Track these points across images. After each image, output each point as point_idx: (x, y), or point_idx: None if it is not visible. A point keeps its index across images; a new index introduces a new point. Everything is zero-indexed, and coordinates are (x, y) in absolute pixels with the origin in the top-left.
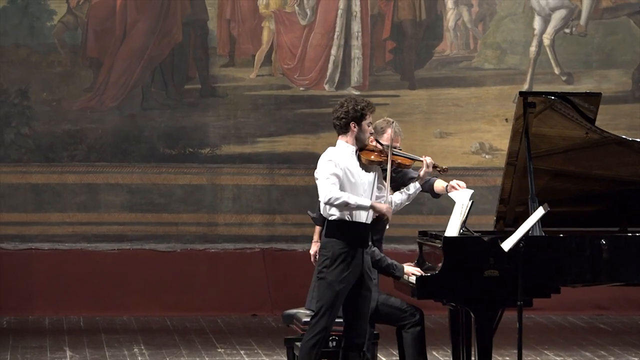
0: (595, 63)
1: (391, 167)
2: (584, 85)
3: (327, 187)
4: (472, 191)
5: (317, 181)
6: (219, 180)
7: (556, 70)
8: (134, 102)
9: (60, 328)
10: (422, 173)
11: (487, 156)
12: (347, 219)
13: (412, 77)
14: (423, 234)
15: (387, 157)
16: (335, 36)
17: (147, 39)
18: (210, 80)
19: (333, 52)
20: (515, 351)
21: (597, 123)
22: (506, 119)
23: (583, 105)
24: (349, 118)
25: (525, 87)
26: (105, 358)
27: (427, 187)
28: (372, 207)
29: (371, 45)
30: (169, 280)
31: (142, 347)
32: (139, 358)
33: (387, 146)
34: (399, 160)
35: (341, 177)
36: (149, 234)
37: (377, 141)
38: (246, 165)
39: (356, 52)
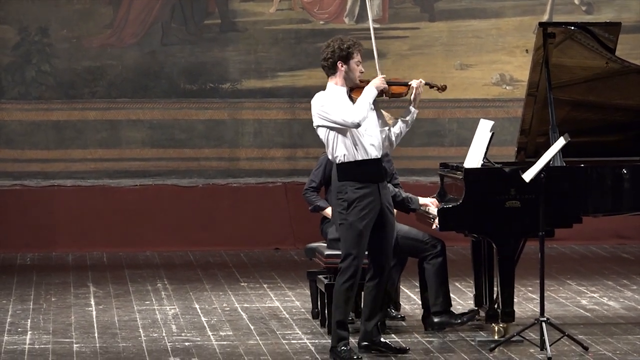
0: None
1: (386, 96)
2: (604, 15)
3: (344, 114)
4: (492, 122)
5: (319, 129)
6: (240, 115)
7: (576, 1)
8: (154, 38)
9: (83, 264)
10: (412, 97)
11: (507, 87)
12: (356, 159)
13: (432, 9)
14: (444, 165)
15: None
16: None
17: None
18: (230, 15)
19: None
20: (538, 281)
21: (617, 53)
22: (526, 50)
23: (603, 35)
24: (335, 58)
25: (545, 18)
26: (129, 293)
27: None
28: (376, 89)
29: None
30: (191, 216)
31: (166, 282)
32: (163, 293)
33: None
34: (392, 90)
35: None
36: (171, 170)
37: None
38: (267, 99)
39: None
